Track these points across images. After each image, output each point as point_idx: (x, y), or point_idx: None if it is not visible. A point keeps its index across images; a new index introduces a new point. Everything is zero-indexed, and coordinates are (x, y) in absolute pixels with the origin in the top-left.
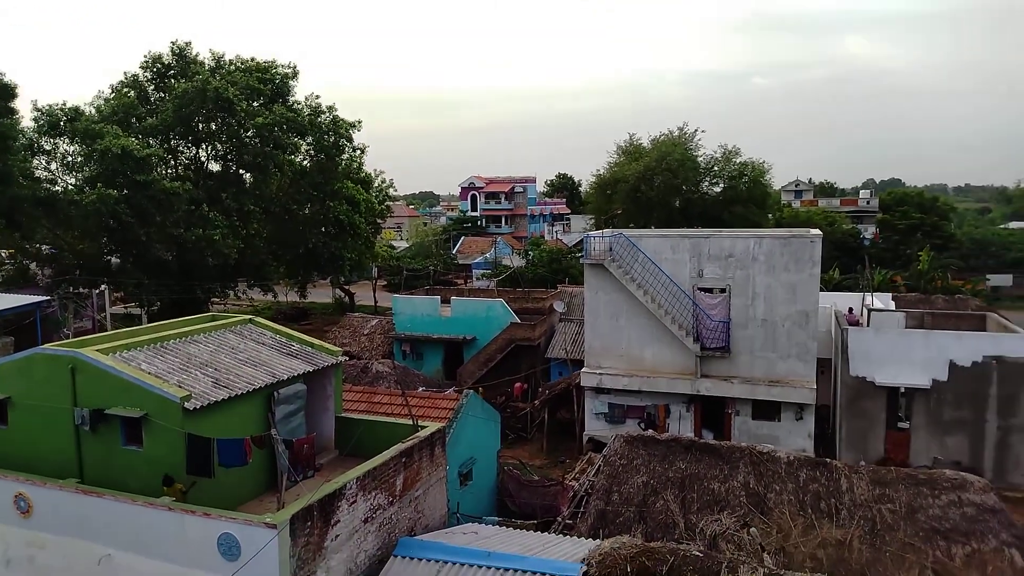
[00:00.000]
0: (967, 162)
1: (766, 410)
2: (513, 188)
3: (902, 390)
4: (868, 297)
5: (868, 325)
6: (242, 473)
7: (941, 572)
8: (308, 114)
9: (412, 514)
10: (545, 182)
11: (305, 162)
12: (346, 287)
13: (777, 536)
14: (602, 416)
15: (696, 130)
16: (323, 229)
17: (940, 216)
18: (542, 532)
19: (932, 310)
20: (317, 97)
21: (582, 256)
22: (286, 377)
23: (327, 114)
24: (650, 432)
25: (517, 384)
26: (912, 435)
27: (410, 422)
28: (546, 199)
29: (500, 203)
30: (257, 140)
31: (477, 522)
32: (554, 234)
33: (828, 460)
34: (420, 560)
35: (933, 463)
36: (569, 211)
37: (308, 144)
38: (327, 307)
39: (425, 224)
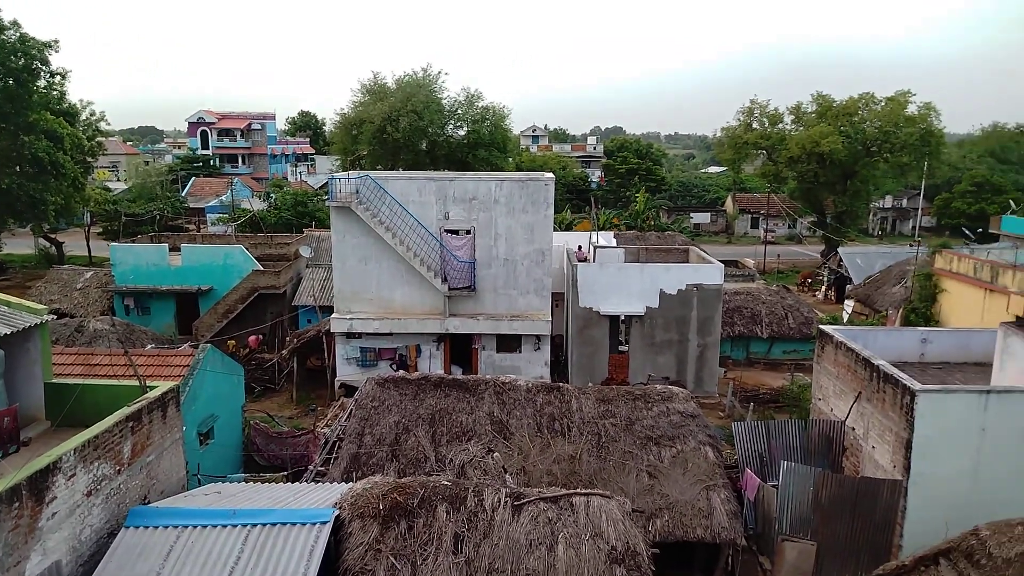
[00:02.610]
0: (677, 112)
1: (509, 343)
2: (250, 125)
3: (622, 317)
4: (594, 235)
5: (594, 261)
6: None
7: (653, 472)
8: None
9: (145, 481)
10: (286, 120)
11: None
12: (52, 236)
13: (518, 457)
14: (354, 360)
15: (440, 72)
16: (18, 168)
17: (654, 161)
18: (293, 483)
19: (647, 245)
20: None
21: (328, 199)
22: None
23: (12, 30)
24: (401, 373)
25: (252, 336)
26: (631, 356)
27: (137, 384)
28: (288, 138)
29: (236, 141)
30: None
31: (221, 481)
32: (298, 175)
33: (561, 384)
34: (155, 528)
35: (647, 379)
36: (314, 151)
37: None
38: (29, 259)
39: (147, 163)
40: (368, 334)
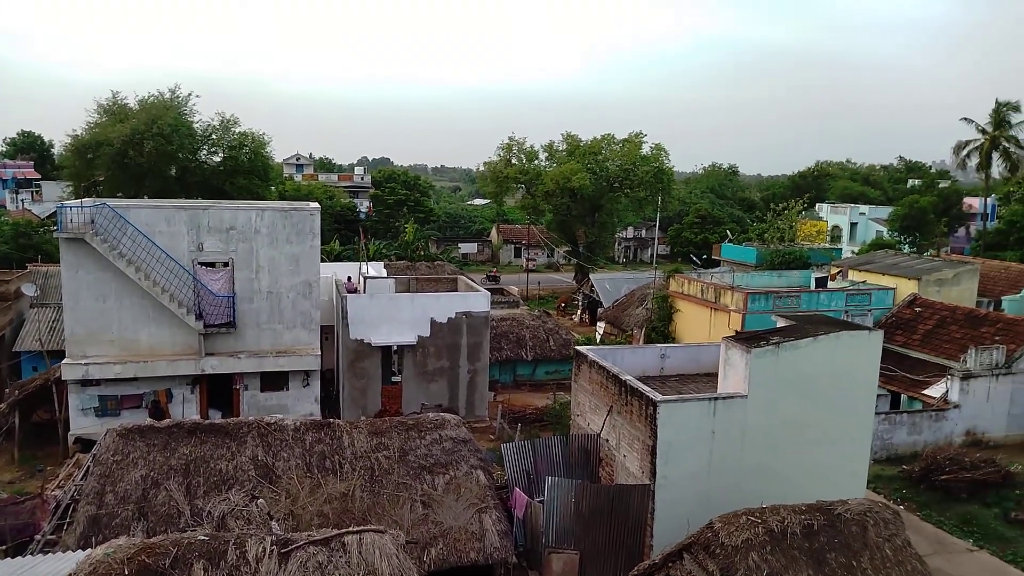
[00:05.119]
0: (442, 144)
1: (274, 381)
2: None
3: (395, 348)
4: (364, 266)
5: (364, 292)
6: None
7: (428, 501)
8: None
9: None
10: (4, 140)
11: None
12: None
13: (286, 501)
14: (91, 411)
15: (191, 94)
16: None
17: (422, 193)
18: (15, 557)
19: (417, 276)
20: None
21: (57, 229)
22: None
23: None
24: (150, 421)
25: None
26: (404, 386)
27: None
28: (7, 161)
29: None
30: None
31: None
32: (19, 203)
33: (332, 420)
34: None
35: (421, 409)
36: (39, 176)
37: None
38: None
39: None
40: (108, 380)
